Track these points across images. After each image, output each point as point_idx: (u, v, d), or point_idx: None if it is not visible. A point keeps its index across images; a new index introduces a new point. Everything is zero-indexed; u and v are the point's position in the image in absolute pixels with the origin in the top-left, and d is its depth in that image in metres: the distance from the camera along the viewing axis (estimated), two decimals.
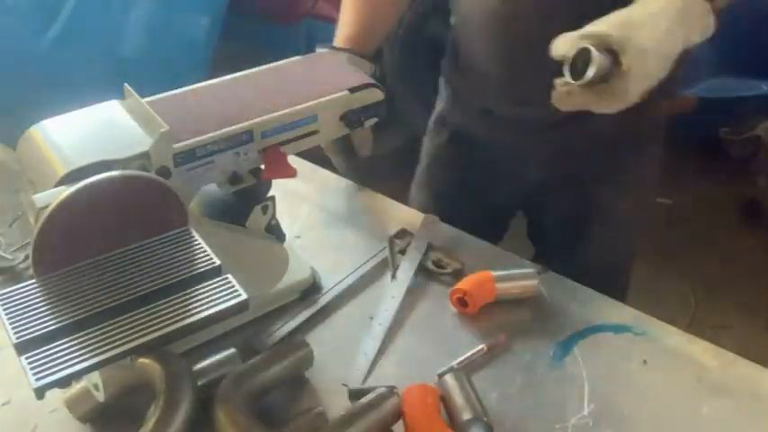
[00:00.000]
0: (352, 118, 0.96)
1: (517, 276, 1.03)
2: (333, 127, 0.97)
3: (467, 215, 1.19)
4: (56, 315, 0.71)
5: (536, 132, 1.19)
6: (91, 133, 0.83)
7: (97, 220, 0.76)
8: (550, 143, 1.21)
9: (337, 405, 0.86)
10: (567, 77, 0.85)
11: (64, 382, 0.67)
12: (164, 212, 0.80)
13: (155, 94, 0.91)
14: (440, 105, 1.35)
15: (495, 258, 1.11)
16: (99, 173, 0.75)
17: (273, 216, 0.99)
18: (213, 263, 0.77)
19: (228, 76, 0.98)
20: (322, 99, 0.95)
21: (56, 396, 0.82)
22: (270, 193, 0.97)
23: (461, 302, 1.00)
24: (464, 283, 1.00)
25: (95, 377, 0.77)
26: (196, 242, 0.80)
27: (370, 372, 0.92)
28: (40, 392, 0.66)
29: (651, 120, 1.20)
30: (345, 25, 1.16)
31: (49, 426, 0.84)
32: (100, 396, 0.79)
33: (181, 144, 0.84)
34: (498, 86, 1.18)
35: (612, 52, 0.83)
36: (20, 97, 1.93)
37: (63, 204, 0.72)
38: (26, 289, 0.73)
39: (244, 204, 0.95)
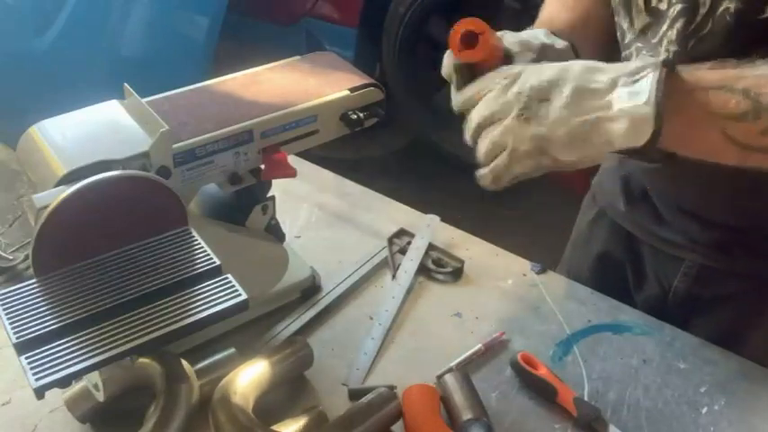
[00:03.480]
0: (352, 118, 0.96)
1: None
2: (333, 127, 0.97)
3: None
4: (56, 315, 0.71)
5: (697, 244, 1.02)
6: (91, 133, 0.83)
7: (97, 220, 0.76)
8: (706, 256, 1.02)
9: (337, 405, 0.86)
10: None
11: (64, 382, 0.67)
12: (164, 212, 0.80)
13: (155, 94, 0.91)
14: (597, 177, 1.19)
15: (496, 258, 1.11)
16: (99, 173, 0.75)
17: (273, 216, 0.99)
18: (213, 263, 0.77)
19: (228, 76, 0.98)
20: (322, 99, 0.94)
21: (56, 396, 0.82)
22: (270, 193, 0.97)
23: (467, 42, 0.78)
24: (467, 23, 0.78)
25: (95, 377, 0.77)
26: (196, 242, 0.80)
27: (370, 372, 0.92)
28: (40, 392, 0.66)
29: None
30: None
31: (49, 426, 0.84)
32: (100, 396, 0.79)
33: (181, 144, 0.84)
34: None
35: None
36: (20, 97, 1.93)
37: (63, 204, 0.72)
38: (26, 289, 0.73)
39: (244, 204, 0.95)
